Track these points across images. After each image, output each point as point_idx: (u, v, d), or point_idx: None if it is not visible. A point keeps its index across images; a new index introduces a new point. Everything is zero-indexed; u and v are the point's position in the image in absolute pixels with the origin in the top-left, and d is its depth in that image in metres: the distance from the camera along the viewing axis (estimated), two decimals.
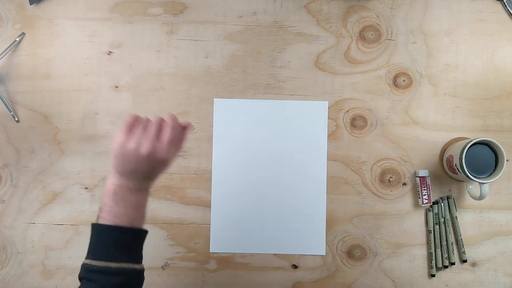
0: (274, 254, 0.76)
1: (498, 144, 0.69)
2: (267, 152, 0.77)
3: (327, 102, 0.77)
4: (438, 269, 0.76)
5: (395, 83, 0.77)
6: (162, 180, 0.76)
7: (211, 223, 0.76)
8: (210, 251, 0.76)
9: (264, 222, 0.76)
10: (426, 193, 0.75)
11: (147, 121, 0.57)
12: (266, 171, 0.77)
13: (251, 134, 0.77)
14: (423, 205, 0.75)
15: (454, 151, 0.71)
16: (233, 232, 0.76)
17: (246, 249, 0.76)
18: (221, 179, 0.77)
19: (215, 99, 0.77)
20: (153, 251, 0.76)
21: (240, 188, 0.77)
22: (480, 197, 0.70)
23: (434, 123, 0.77)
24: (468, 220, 0.76)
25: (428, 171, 0.75)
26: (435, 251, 0.75)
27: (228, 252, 0.76)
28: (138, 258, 0.58)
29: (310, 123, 0.77)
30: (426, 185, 0.75)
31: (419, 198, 0.75)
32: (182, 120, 0.59)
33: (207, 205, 0.77)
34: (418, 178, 0.75)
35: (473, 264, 0.76)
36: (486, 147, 0.71)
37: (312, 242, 0.76)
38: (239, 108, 0.77)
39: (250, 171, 0.77)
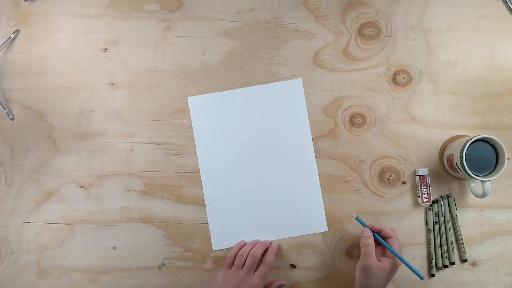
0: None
1: (499, 141, 0.68)
2: (251, 140, 0.76)
3: (301, 79, 0.76)
4: (438, 268, 0.75)
5: (394, 80, 0.76)
6: (159, 179, 0.76)
7: (208, 222, 0.75)
8: (213, 249, 0.75)
9: (261, 210, 0.75)
10: (426, 192, 0.74)
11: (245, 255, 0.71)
12: (253, 159, 0.75)
13: (232, 125, 0.76)
14: (423, 204, 0.74)
15: (454, 150, 0.70)
16: (233, 226, 0.75)
17: (249, 239, 0.75)
18: (211, 176, 0.76)
19: (188, 98, 0.76)
20: (149, 250, 0.75)
21: (230, 181, 0.75)
22: (483, 195, 0.69)
23: (434, 121, 0.76)
24: (469, 219, 0.75)
25: (428, 169, 0.74)
26: (435, 250, 0.74)
27: (231, 247, 0.75)
28: None
29: (288, 103, 0.76)
30: (426, 183, 0.74)
31: (419, 197, 0.74)
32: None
33: (204, 203, 0.76)
34: (418, 176, 0.74)
35: (474, 264, 0.75)
36: (486, 144, 0.70)
37: (313, 220, 0.75)
38: (214, 101, 0.76)
39: (237, 163, 0.76)
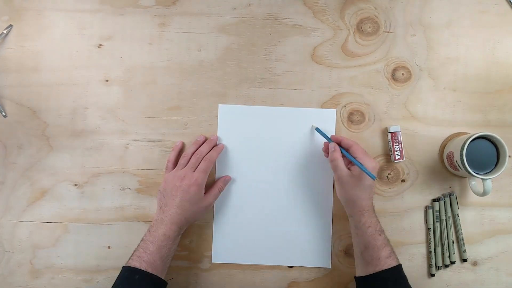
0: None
1: (499, 138, 0.67)
2: (272, 161, 0.74)
3: (335, 110, 0.74)
4: (438, 268, 0.74)
5: (393, 76, 0.75)
6: (154, 177, 0.74)
7: (213, 233, 0.74)
8: (212, 262, 0.74)
9: (268, 234, 0.74)
10: (398, 149, 0.73)
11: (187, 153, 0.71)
12: (270, 181, 0.74)
13: (256, 141, 0.74)
14: (395, 161, 0.73)
15: (455, 147, 0.69)
16: (236, 243, 0.74)
17: (249, 260, 0.74)
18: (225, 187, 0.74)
19: (219, 105, 0.74)
20: None
21: (243, 197, 0.74)
22: (484, 193, 0.68)
23: (433, 118, 0.75)
24: (469, 218, 0.74)
25: (400, 126, 0.73)
26: (435, 249, 0.73)
27: (231, 262, 0.74)
28: None
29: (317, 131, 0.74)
30: (398, 140, 0.72)
31: (391, 154, 0.73)
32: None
33: None
34: (389, 134, 0.73)
35: (474, 263, 0.74)
36: (487, 142, 0.69)
37: (318, 255, 0.74)
38: (244, 114, 0.74)
39: (254, 180, 0.74)
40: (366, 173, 0.64)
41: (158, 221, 0.67)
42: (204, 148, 0.72)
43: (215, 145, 0.73)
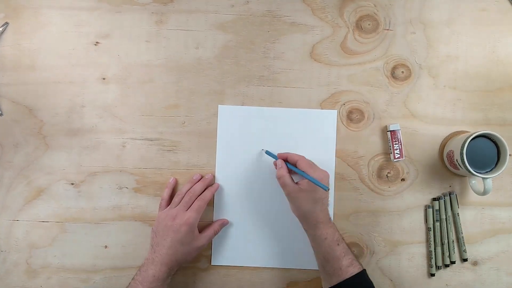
0: None
1: (500, 137, 0.66)
2: (273, 161, 0.73)
3: (336, 111, 0.74)
4: (438, 268, 0.73)
5: (393, 75, 0.74)
6: (152, 176, 0.74)
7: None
8: (211, 264, 0.73)
9: (268, 236, 0.73)
10: (398, 148, 0.72)
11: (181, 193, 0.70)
12: (270, 182, 0.73)
13: (257, 142, 0.73)
14: (395, 160, 0.72)
15: (455, 146, 0.69)
16: (236, 245, 0.73)
17: (249, 263, 0.73)
18: (224, 190, 0.74)
19: (219, 106, 0.74)
20: (142, 249, 0.73)
21: (242, 200, 0.73)
22: (484, 193, 0.67)
23: (433, 117, 0.74)
24: (469, 217, 0.74)
25: (399, 124, 0.73)
26: (435, 249, 0.73)
27: (231, 265, 0.74)
28: None
29: (318, 132, 0.73)
30: (397, 139, 0.72)
31: (391, 153, 0.73)
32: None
33: None
34: (389, 132, 0.72)
35: (474, 263, 0.73)
36: (487, 140, 0.68)
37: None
38: (245, 115, 0.74)
39: (254, 181, 0.73)
40: (316, 184, 0.63)
41: (149, 261, 0.66)
42: (198, 186, 0.71)
43: (210, 184, 0.73)
